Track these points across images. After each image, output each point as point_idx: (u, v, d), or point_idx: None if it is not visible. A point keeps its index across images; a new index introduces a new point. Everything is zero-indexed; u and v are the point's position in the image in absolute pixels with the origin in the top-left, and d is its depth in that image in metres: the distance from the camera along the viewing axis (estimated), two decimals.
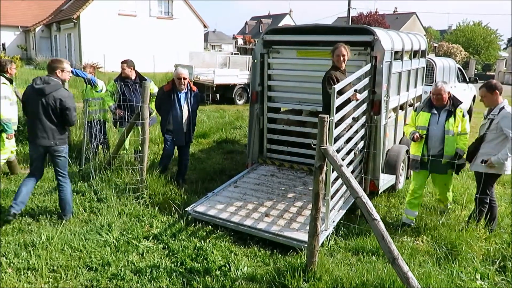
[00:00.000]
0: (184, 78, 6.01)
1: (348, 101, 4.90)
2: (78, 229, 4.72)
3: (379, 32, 5.59)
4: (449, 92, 5.03)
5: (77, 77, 7.12)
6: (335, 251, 4.47)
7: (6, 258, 4.04)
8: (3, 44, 35.10)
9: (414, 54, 6.94)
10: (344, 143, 4.98)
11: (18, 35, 38.07)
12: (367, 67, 5.38)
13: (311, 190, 5.32)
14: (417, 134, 4.99)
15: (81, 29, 28.69)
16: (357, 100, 5.07)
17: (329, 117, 3.87)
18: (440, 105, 5.01)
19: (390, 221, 5.27)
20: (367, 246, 4.48)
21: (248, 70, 16.67)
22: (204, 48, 41.64)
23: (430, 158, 4.97)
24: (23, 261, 4.00)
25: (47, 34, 35.94)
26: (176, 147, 6.39)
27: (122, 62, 6.79)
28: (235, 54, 21.80)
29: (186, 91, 6.12)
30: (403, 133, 7.04)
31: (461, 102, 5.07)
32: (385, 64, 5.47)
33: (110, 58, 23.11)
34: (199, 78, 16.26)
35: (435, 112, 5.02)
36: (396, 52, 5.93)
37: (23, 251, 4.16)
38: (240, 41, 28.77)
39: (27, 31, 37.32)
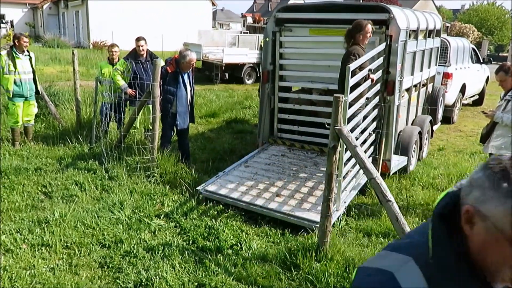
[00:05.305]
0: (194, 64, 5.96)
1: (364, 79, 4.82)
2: (91, 207, 4.75)
3: (395, 10, 5.45)
4: None
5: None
6: (346, 231, 4.47)
7: (20, 234, 4.09)
8: (11, 21, 34.97)
9: (429, 33, 6.78)
10: (357, 123, 4.92)
11: (26, 13, 37.89)
12: (382, 46, 5.26)
13: (322, 171, 5.31)
14: None
15: (89, 7, 28.43)
16: (372, 80, 4.98)
17: (344, 96, 3.81)
18: None
19: (401, 203, 5.24)
20: (379, 227, 4.47)
21: (258, 49, 16.47)
22: (213, 27, 41.22)
23: None
24: (37, 237, 4.05)
25: (55, 11, 35.69)
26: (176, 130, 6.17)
27: (139, 39, 6.55)
28: (244, 32, 21.52)
29: (188, 71, 6.01)
30: (415, 114, 6.97)
31: None
32: (400, 44, 5.34)
33: (118, 36, 22.92)
34: (208, 57, 16.11)
35: None
36: (411, 31, 5.80)
37: (37, 228, 4.21)
38: (250, 20, 28.33)
39: (35, 8, 37.10)
